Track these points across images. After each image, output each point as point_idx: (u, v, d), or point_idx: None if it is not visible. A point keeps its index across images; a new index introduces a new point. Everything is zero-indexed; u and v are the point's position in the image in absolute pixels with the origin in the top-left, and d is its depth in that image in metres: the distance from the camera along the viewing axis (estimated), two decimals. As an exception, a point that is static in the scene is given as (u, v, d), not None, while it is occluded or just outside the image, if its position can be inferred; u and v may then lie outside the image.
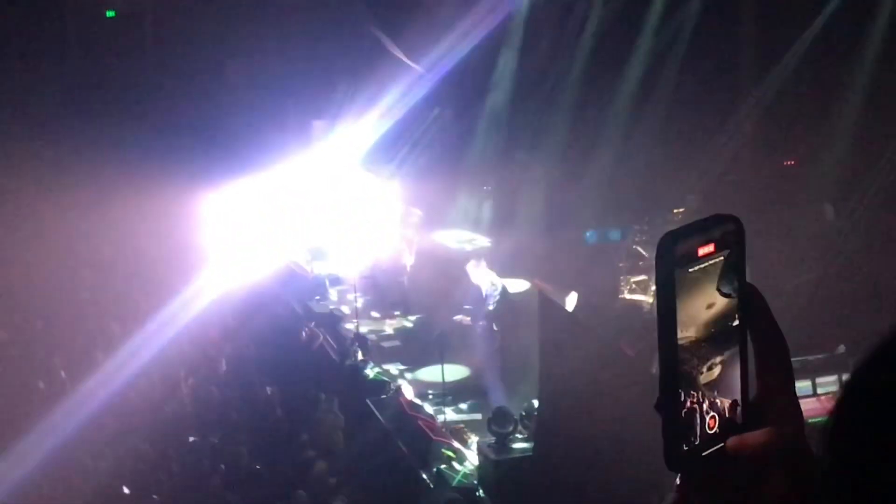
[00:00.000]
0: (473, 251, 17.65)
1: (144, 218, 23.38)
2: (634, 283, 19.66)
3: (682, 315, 1.48)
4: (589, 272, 20.29)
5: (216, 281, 20.66)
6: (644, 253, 19.79)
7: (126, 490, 13.51)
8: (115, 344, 17.30)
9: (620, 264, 19.83)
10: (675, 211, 20.59)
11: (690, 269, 1.49)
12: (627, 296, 19.43)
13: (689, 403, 1.50)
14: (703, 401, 1.52)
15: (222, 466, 14.02)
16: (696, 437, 1.51)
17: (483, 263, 17.15)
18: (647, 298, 18.62)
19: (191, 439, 14.65)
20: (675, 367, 1.48)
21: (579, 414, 12.45)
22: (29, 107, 29.06)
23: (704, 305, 1.51)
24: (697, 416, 1.51)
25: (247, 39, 28.09)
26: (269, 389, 16.19)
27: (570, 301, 18.39)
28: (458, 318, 18.33)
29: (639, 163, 22.65)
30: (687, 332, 1.49)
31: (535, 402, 14.41)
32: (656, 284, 1.49)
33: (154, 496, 13.19)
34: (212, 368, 16.84)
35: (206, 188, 24.13)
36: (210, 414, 15.49)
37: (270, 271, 21.94)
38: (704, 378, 1.52)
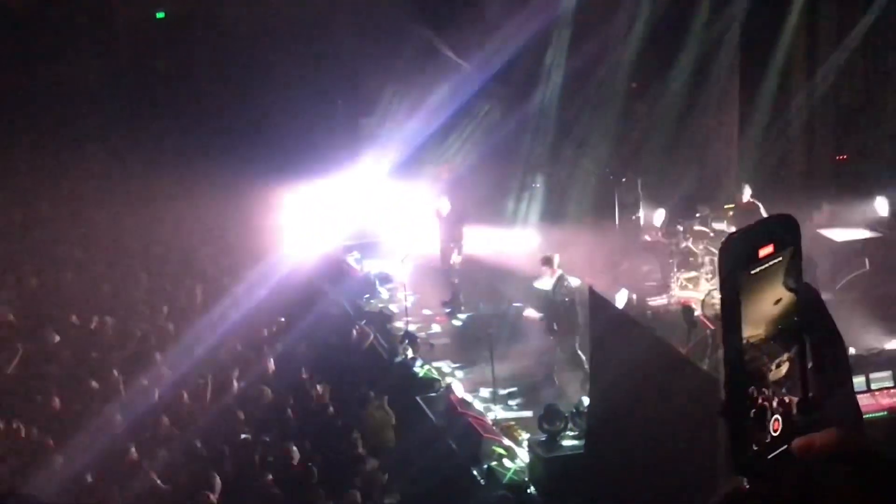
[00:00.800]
0: (546, 251, 17.53)
1: (195, 217, 23.56)
2: (685, 279, 19.57)
3: (750, 314, 1.50)
4: (639, 269, 20.25)
5: (267, 279, 20.77)
6: (695, 249, 19.70)
7: (179, 488, 13.62)
8: (168, 343, 17.44)
9: (670, 261, 19.75)
10: (725, 207, 20.49)
11: (753, 271, 1.50)
12: (678, 293, 19.35)
13: (760, 401, 1.51)
14: (773, 398, 1.53)
15: (274, 464, 14.09)
16: (764, 439, 1.52)
17: (555, 261, 17.00)
18: (698, 295, 18.55)
19: (242, 437, 14.74)
20: (741, 370, 1.50)
21: (630, 411, 12.42)
22: (79, 108, 29.34)
23: (771, 302, 1.53)
24: (768, 413, 1.52)
25: (295, 38, 28.20)
26: (320, 387, 16.25)
27: (621, 298, 18.36)
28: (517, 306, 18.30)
29: (689, 159, 22.57)
30: (756, 331, 1.51)
31: (586, 400, 14.40)
32: (720, 288, 1.51)
33: (207, 493, 13.28)
34: (263, 367, 16.93)
35: (256, 187, 24.25)
36: (262, 412, 15.57)
37: (321, 270, 22.03)
38: (773, 375, 1.53)
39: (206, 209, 23.98)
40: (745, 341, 1.49)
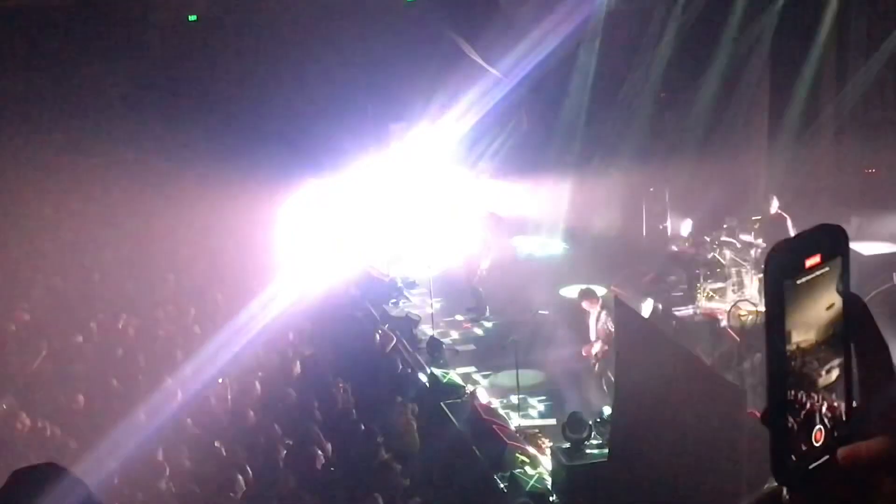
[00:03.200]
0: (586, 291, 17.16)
1: (223, 220, 23.62)
2: (711, 290, 19.50)
3: (799, 320, 1.49)
4: (666, 279, 20.20)
5: (294, 284, 20.80)
6: (722, 260, 19.63)
7: (202, 489, 13.64)
8: (194, 345, 17.47)
9: (698, 271, 19.68)
10: (753, 218, 20.40)
11: (798, 281, 1.50)
12: (704, 303, 19.28)
13: (808, 406, 1.50)
14: (823, 403, 1.52)
15: (298, 467, 14.11)
16: (806, 448, 1.50)
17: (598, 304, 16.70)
18: (724, 306, 18.47)
19: (263, 440, 14.75)
20: (784, 379, 1.49)
21: (654, 421, 12.38)
22: (110, 109, 29.50)
23: (823, 308, 1.53)
24: (815, 418, 1.51)
25: (326, 44, 28.27)
26: (345, 392, 16.27)
27: (646, 308, 18.32)
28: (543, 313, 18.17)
29: (717, 170, 22.49)
30: (807, 336, 1.50)
31: (606, 409, 14.41)
32: (765, 298, 1.51)
33: (230, 494, 13.30)
34: (288, 370, 16.95)
35: (285, 191, 24.30)
36: (286, 416, 15.58)
37: (348, 274, 22.05)
38: (824, 381, 1.53)
39: (235, 213, 24.04)
40: (795, 346, 1.49)
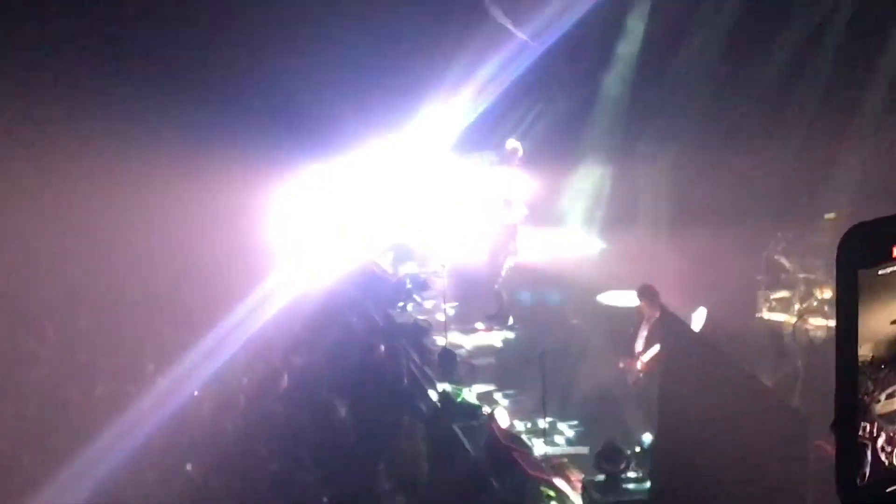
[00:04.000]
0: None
1: (204, 208, 23.59)
2: (775, 300, 19.42)
3: (877, 317, 1.39)
4: (721, 285, 20.08)
5: (284, 283, 20.77)
6: (787, 265, 19.53)
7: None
8: (165, 350, 17.47)
9: (759, 278, 19.60)
10: (826, 216, 20.27)
11: (881, 271, 1.39)
12: (766, 315, 19.21)
13: (860, 435, 1.42)
14: (879, 434, 1.43)
15: (285, 496, 14.10)
16: (880, 469, 1.42)
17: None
18: (790, 318, 18.39)
19: (242, 464, 14.74)
20: (855, 383, 1.39)
21: (704, 451, 12.30)
22: (87, 93, 29.51)
23: (890, 320, 1.42)
24: (869, 449, 1.42)
25: (327, 6, 28.22)
26: (342, 411, 16.25)
27: (698, 318, 18.20)
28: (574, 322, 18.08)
29: (785, 159, 22.37)
30: (863, 350, 1.40)
31: (647, 437, 14.35)
32: (836, 286, 1.40)
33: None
34: (275, 384, 16.93)
35: (276, 176, 24.27)
36: (273, 437, 15.57)
37: (347, 273, 22.00)
38: (882, 408, 1.43)
39: (218, 199, 23.99)
40: (870, 350, 1.39)
